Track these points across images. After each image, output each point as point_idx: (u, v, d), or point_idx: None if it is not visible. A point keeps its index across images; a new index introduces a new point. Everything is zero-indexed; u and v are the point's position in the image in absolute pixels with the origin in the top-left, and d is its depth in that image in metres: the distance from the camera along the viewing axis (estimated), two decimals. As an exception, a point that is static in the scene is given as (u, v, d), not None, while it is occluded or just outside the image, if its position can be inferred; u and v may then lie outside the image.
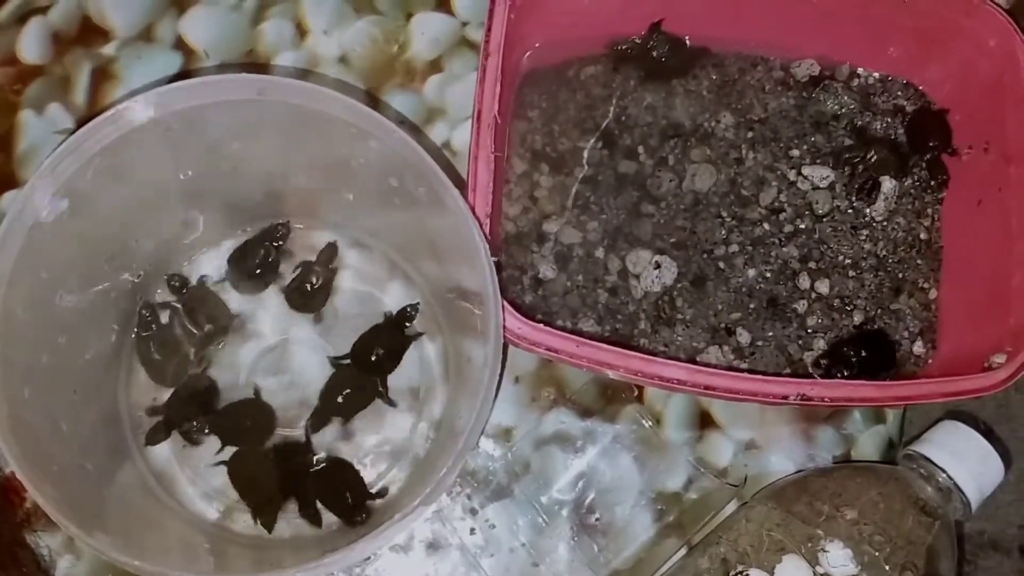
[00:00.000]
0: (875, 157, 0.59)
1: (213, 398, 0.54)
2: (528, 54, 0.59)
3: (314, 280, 0.55)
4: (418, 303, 0.55)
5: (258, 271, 0.55)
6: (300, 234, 0.56)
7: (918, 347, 0.57)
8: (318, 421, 0.54)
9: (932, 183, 0.59)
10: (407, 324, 0.55)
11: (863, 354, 0.55)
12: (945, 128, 0.60)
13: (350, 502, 0.52)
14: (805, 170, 0.59)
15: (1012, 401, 0.59)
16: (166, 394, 0.54)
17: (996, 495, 0.51)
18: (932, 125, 0.60)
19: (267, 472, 0.52)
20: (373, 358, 0.54)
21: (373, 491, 0.53)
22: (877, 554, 0.47)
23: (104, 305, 0.52)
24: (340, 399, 0.54)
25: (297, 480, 0.52)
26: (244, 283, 0.56)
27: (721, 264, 0.57)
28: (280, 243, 0.56)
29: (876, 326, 0.57)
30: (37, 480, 0.41)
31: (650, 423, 0.56)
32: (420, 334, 0.55)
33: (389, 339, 0.55)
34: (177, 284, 0.55)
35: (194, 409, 0.53)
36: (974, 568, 0.57)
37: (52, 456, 0.45)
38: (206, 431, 0.53)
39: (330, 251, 0.56)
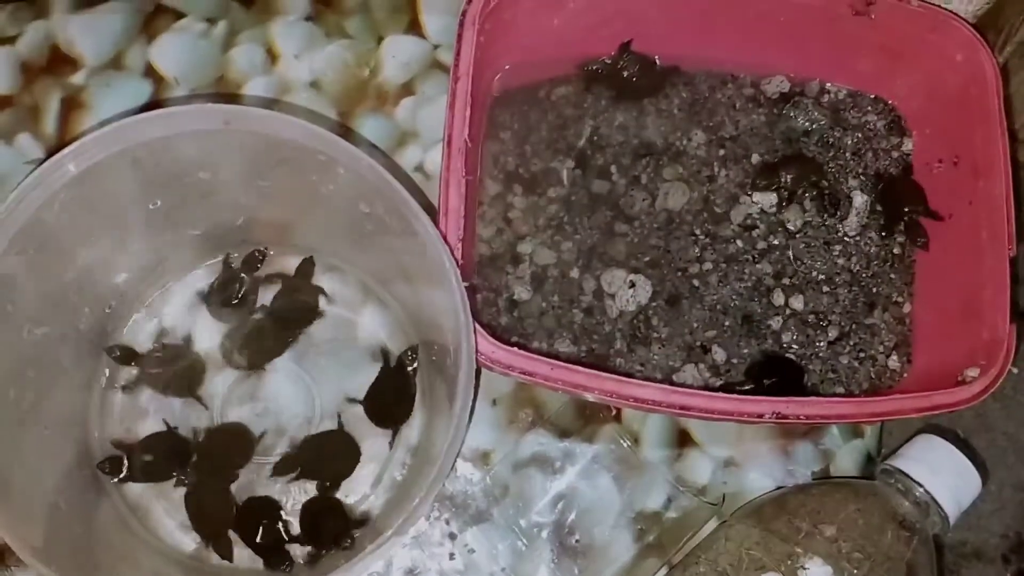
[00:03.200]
0: (790, 177, 0.59)
1: (186, 450, 0.53)
2: (499, 76, 0.59)
3: (292, 304, 0.55)
4: (417, 345, 0.54)
5: (236, 301, 0.55)
6: (273, 259, 0.56)
7: (893, 361, 0.57)
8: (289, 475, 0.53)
9: (919, 241, 0.59)
10: (409, 367, 0.54)
11: (765, 382, 0.55)
12: (918, 193, 0.59)
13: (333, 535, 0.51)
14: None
15: (989, 411, 0.59)
16: (140, 425, 0.53)
17: (978, 505, 0.51)
18: (904, 192, 0.59)
19: (222, 503, 0.51)
20: (386, 410, 0.54)
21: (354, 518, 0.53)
22: (856, 571, 0.47)
23: (75, 337, 0.51)
24: (325, 462, 0.54)
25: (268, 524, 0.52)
26: (224, 313, 0.55)
27: (695, 282, 0.57)
28: (258, 268, 0.55)
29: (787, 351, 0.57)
30: (7, 521, 0.41)
31: (628, 443, 0.56)
32: (415, 370, 0.55)
33: (397, 387, 0.54)
34: (120, 355, 0.54)
35: (172, 466, 0.52)
36: (957, 578, 0.57)
37: (23, 494, 0.44)
38: (187, 480, 0.52)
39: (307, 266, 0.55)
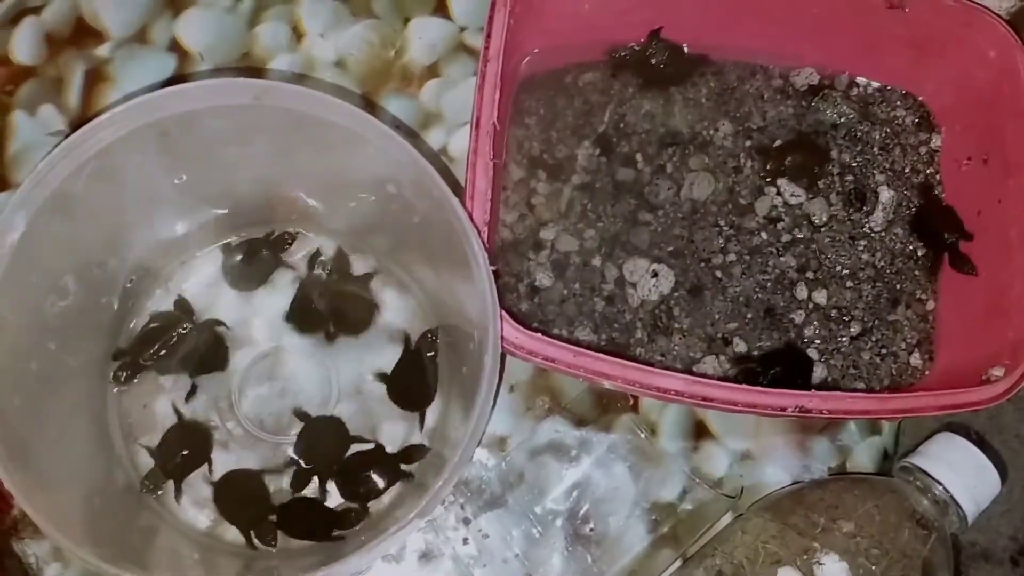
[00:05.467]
0: (791, 162, 0.58)
1: (207, 446, 0.53)
2: (526, 60, 0.58)
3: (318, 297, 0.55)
4: (437, 328, 0.54)
5: (254, 268, 0.55)
6: (299, 242, 0.56)
7: (915, 359, 0.57)
8: (300, 481, 0.53)
9: (967, 269, 0.57)
10: (430, 352, 0.54)
11: (772, 373, 0.55)
12: (953, 219, 0.58)
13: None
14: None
15: (1004, 412, 0.59)
16: (157, 401, 0.53)
17: (988, 506, 0.51)
18: (939, 220, 0.59)
19: (259, 488, 0.52)
20: (411, 393, 0.54)
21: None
22: (873, 567, 0.47)
23: (96, 310, 0.51)
24: (320, 454, 0.54)
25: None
26: (240, 279, 0.55)
27: (718, 273, 0.57)
28: (285, 251, 0.55)
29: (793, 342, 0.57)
30: (26, 490, 0.41)
31: (645, 433, 0.56)
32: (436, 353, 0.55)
33: (419, 370, 0.54)
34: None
35: (191, 461, 0.52)
36: (966, 579, 0.57)
37: (41, 465, 0.44)
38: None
39: (342, 259, 0.55)
